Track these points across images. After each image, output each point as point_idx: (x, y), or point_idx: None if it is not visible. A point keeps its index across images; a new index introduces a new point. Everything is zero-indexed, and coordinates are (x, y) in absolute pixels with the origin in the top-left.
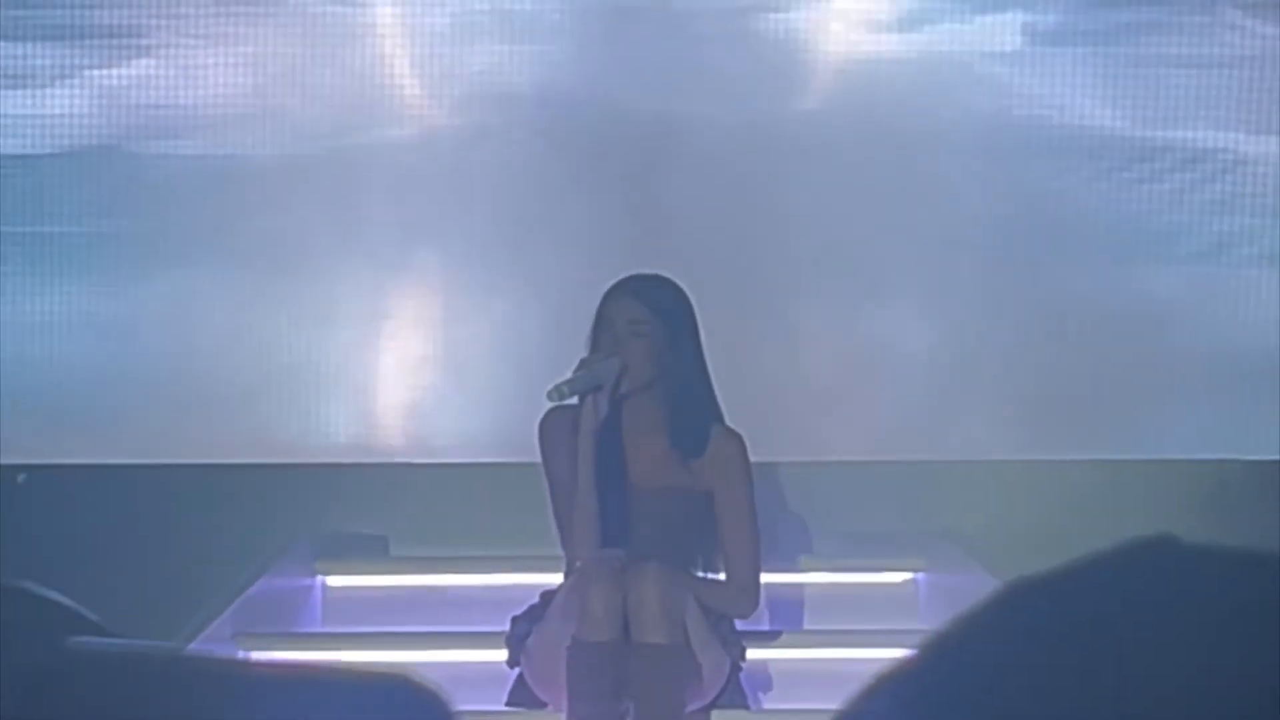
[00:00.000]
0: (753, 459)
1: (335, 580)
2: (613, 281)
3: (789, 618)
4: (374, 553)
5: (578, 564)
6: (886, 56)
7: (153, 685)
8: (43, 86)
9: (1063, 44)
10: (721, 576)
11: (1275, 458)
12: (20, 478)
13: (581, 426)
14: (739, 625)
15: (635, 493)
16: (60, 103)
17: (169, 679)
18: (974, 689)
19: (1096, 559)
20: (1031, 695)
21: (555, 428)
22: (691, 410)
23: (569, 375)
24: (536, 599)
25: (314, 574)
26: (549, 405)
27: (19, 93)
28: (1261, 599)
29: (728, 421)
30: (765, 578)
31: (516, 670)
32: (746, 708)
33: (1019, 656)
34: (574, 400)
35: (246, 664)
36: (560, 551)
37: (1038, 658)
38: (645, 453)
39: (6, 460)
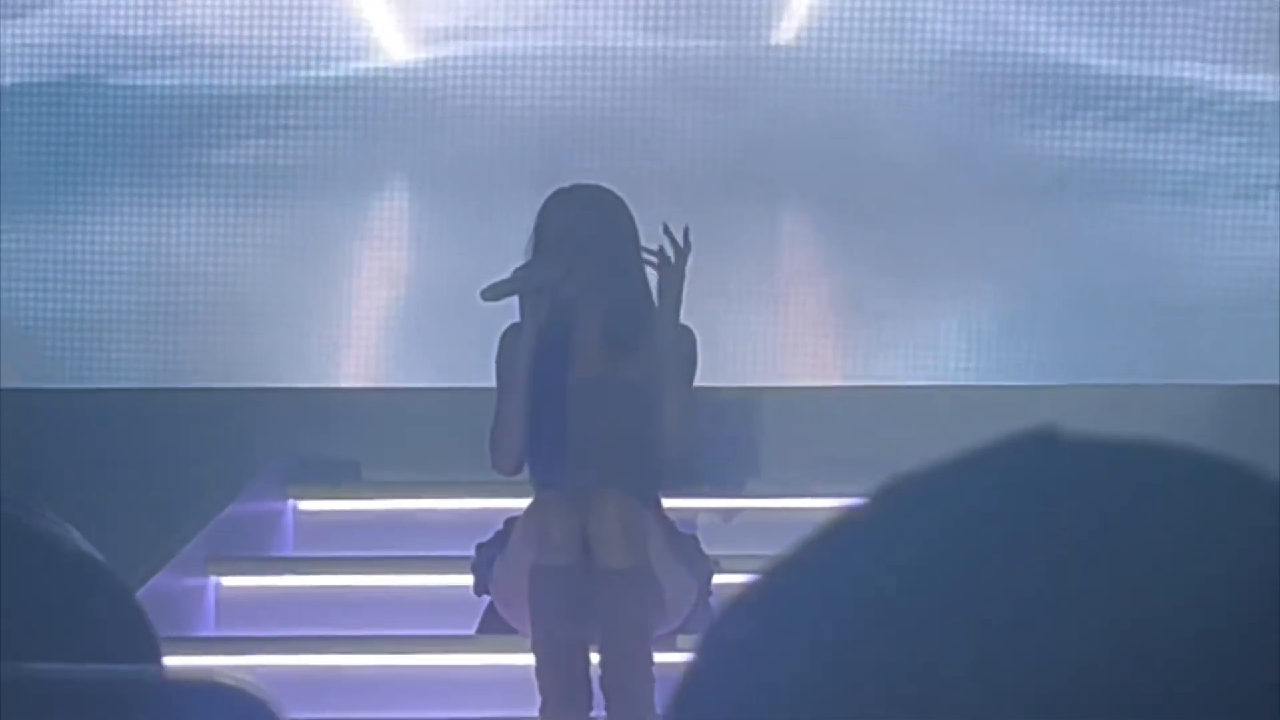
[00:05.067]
0: (723, 383)
1: (307, 504)
2: (550, 190)
3: (761, 543)
4: (346, 477)
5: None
6: None
7: None
8: (10, 17)
9: None
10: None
11: (1235, 382)
12: None
13: (523, 329)
14: (708, 548)
15: (583, 391)
16: (28, 34)
17: None
18: (843, 597)
19: (974, 454)
20: (905, 600)
21: (509, 341)
22: (634, 308)
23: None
24: (501, 525)
25: (286, 498)
26: (509, 323)
27: None
28: (1147, 492)
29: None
30: (738, 504)
31: (488, 598)
32: None
33: (891, 560)
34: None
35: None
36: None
37: (911, 560)
38: (593, 353)
39: None
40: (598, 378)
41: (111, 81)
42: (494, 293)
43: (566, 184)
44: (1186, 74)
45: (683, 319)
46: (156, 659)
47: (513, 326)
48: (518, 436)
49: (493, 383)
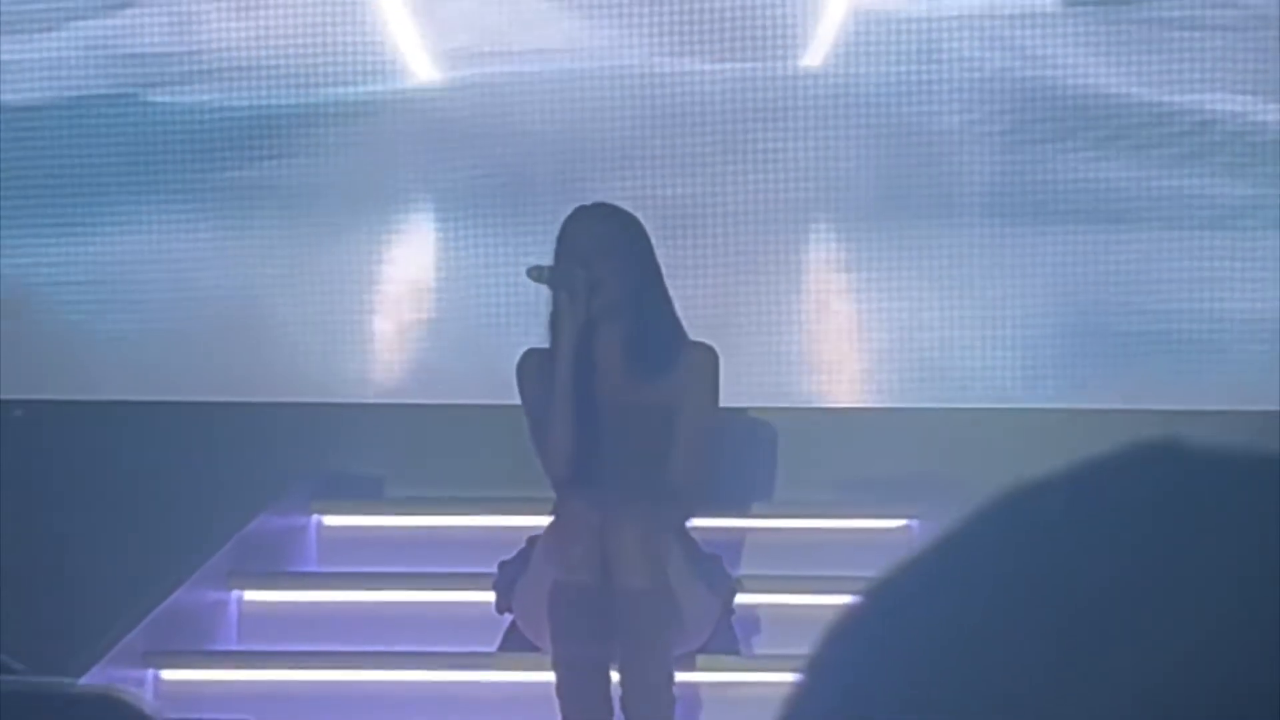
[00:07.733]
0: (749, 404)
1: (331, 520)
2: (571, 209)
3: (783, 563)
4: (370, 493)
5: (557, 500)
6: (895, 15)
7: None
8: (38, 33)
9: (1073, 5)
10: None
11: (1272, 409)
12: (17, 413)
13: (562, 330)
14: (731, 569)
15: (607, 413)
16: (54, 50)
17: None
18: (960, 606)
19: (1096, 461)
20: (1024, 607)
21: (532, 364)
22: (658, 329)
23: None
24: (524, 543)
25: (310, 513)
26: (526, 346)
27: (12, 39)
28: (1271, 502)
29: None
30: (761, 523)
31: (510, 616)
32: (736, 652)
33: (1010, 570)
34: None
35: None
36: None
37: (1031, 568)
38: (616, 373)
39: (4, 395)
40: (620, 399)
41: (140, 99)
42: (538, 273)
43: (588, 202)
44: (1218, 105)
45: (709, 338)
46: None
47: (531, 350)
48: (555, 451)
49: (518, 400)
